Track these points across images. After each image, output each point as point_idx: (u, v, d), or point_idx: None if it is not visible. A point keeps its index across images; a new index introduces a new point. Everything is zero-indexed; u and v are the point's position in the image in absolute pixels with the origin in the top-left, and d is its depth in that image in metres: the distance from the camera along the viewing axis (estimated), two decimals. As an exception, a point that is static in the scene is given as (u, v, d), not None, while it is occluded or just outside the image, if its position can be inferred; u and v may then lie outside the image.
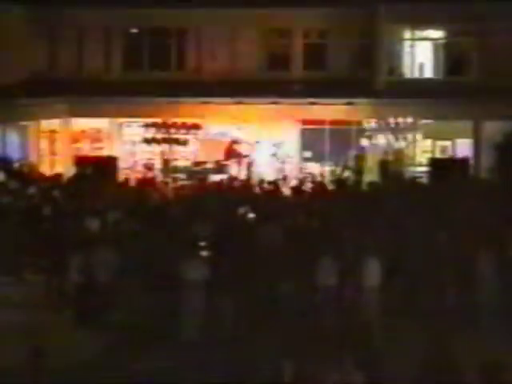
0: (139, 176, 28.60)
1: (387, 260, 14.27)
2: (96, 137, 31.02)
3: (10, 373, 11.84)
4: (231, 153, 29.78)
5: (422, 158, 29.70)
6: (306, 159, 30.39)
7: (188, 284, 13.43)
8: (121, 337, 13.41)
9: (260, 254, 15.51)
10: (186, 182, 27.04)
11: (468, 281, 14.17)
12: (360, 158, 29.33)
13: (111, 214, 18.76)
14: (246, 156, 29.80)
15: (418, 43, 30.18)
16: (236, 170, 29.22)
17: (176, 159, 30.27)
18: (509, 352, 11.99)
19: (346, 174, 28.65)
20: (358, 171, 28.43)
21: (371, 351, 11.43)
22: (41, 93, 26.46)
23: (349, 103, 28.12)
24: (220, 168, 28.95)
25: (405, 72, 30.13)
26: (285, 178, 27.37)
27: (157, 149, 30.14)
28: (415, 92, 27.81)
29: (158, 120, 29.74)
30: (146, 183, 26.14)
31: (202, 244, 15.70)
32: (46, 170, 29.10)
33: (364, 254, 13.90)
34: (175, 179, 28.04)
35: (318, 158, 30.14)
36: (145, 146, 30.27)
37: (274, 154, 29.90)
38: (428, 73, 30.22)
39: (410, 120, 28.89)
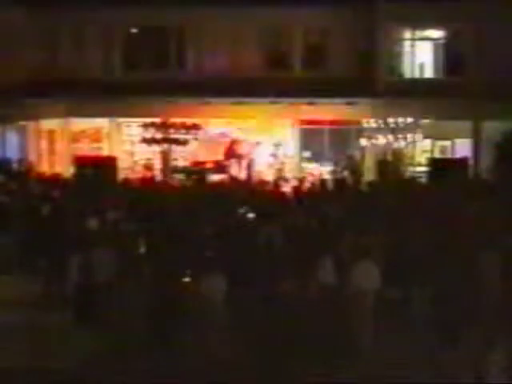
0: (139, 176, 28.60)
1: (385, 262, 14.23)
2: (96, 137, 31.02)
3: (10, 373, 11.85)
4: (231, 153, 29.80)
5: (422, 157, 29.72)
6: (306, 159, 30.42)
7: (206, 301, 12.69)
8: (121, 337, 13.38)
9: (260, 253, 15.50)
10: (185, 182, 27.01)
11: (469, 282, 14.13)
12: (351, 158, 29.36)
13: (111, 213, 18.75)
14: (245, 156, 29.81)
15: (418, 43, 30.19)
16: (236, 170, 29.23)
17: (176, 159, 30.28)
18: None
19: (345, 173, 28.65)
20: (353, 171, 28.41)
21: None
22: (41, 93, 26.43)
23: (349, 103, 28.12)
24: (220, 168, 28.95)
25: (405, 72, 30.14)
26: (285, 179, 27.38)
27: (156, 149, 30.15)
28: (415, 92, 27.81)
29: (158, 120, 29.74)
30: (145, 183, 26.12)
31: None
32: (45, 169, 29.10)
33: (359, 256, 13.76)
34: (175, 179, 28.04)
35: (317, 157, 30.16)
36: (144, 146, 30.27)
37: (274, 154, 29.91)
38: (428, 73, 30.22)
39: (409, 120, 28.92)
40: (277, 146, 30.03)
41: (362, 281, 13.22)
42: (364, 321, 13.04)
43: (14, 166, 26.68)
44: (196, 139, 30.09)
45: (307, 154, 30.41)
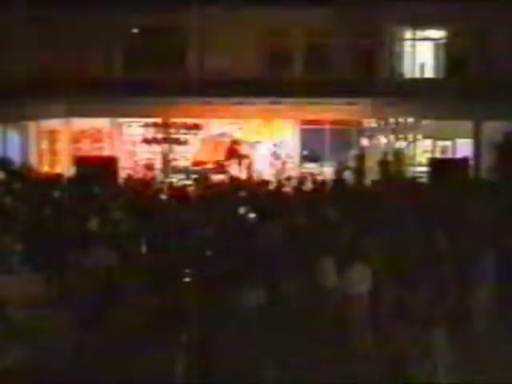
0: (139, 176, 28.62)
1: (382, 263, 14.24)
2: (96, 137, 31.02)
3: (10, 373, 11.87)
4: (231, 153, 29.79)
5: (423, 158, 29.73)
6: (307, 159, 30.41)
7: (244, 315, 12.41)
8: (121, 337, 13.42)
9: (260, 253, 15.53)
10: (186, 183, 27.04)
11: (468, 282, 14.17)
12: (360, 157, 29.32)
13: (112, 213, 18.79)
14: (246, 156, 29.82)
15: (418, 43, 30.21)
16: (236, 170, 29.24)
17: (176, 159, 30.31)
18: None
19: (346, 173, 28.67)
20: (359, 171, 28.44)
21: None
22: (41, 93, 26.44)
23: (349, 103, 28.12)
24: (220, 168, 28.96)
25: (405, 72, 30.16)
26: (288, 179, 27.42)
27: (157, 149, 30.19)
28: (415, 92, 27.82)
29: (158, 120, 29.77)
30: (146, 183, 26.15)
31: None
32: (46, 170, 29.11)
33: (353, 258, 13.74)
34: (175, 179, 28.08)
35: (318, 157, 30.14)
36: (145, 146, 30.32)
37: (274, 154, 29.90)
38: (428, 73, 30.25)
39: (409, 120, 28.96)
40: (277, 146, 30.03)
41: (353, 284, 13.22)
42: (360, 322, 13.06)
43: (16, 166, 26.67)
44: (196, 139, 30.17)
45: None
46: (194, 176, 27.88)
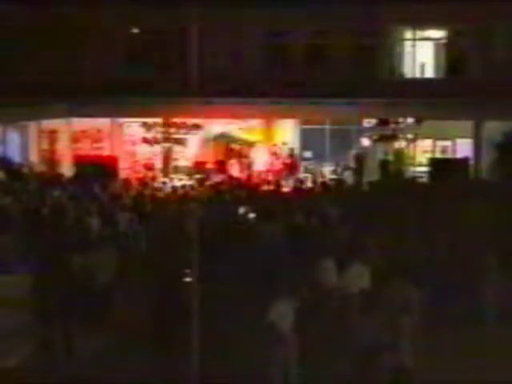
0: (139, 176, 28.64)
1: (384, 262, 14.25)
2: (96, 137, 31.03)
3: (10, 373, 11.88)
4: (231, 153, 29.81)
5: (423, 158, 29.74)
6: (306, 159, 30.42)
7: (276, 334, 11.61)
8: (121, 337, 13.42)
9: (260, 253, 15.54)
10: (186, 182, 27.05)
11: (470, 282, 14.17)
12: (360, 157, 29.35)
13: (112, 214, 18.80)
14: (246, 156, 29.82)
15: (418, 43, 30.21)
16: (236, 170, 29.25)
17: (176, 159, 30.32)
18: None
19: (346, 173, 28.68)
20: (358, 171, 28.44)
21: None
22: (41, 93, 26.45)
23: (349, 103, 28.12)
24: (220, 168, 28.98)
25: (405, 72, 30.15)
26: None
27: (157, 149, 30.19)
28: (416, 92, 27.82)
29: (158, 120, 29.77)
30: (145, 183, 26.19)
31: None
32: (46, 170, 29.11)
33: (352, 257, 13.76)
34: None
35: (318, 157, 30.16)
36: (145, 146, 30.32)
37: (274, 154, 29.91)
38: (429, 73, 30.25)
39: (410, 120, 28.97)
40: (277, 145, 30.04)
41: (353, 283, 13.24)
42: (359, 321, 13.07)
43: (16, 166, 26.69)
44: (196, 139, 30.17)
45: (308, 153, 30.41)
46: (194, 176, 27.91)
